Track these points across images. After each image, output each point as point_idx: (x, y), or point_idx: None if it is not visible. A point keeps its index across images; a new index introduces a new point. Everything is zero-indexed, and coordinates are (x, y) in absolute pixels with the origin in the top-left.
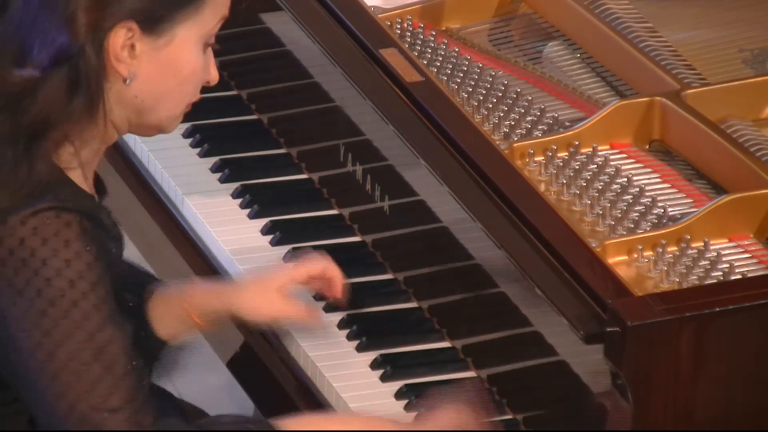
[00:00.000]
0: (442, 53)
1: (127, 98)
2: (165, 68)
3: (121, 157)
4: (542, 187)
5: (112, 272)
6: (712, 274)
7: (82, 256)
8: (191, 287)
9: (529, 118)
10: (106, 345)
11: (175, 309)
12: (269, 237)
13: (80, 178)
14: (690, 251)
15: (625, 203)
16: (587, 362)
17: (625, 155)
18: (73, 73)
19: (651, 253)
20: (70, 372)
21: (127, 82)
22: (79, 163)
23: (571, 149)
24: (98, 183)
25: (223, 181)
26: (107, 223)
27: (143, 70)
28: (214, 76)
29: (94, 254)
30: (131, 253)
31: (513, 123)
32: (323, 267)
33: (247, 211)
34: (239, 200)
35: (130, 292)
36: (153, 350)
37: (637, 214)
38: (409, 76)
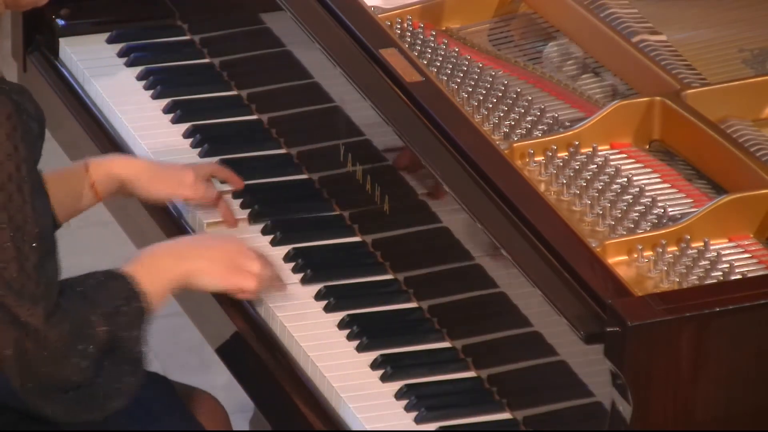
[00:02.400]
0: (442, 53)
1: None
2: None
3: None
4: (542, 187)
5: (34, 153)
6: (712, 274)
7: (10, 139)
8: (93, 160)
9: (529, 118)
10: (24, 224)
11: (75, 185)
12: (269, 237)
13: None
14: (690, 251)
15: (625, 203)
16: (587, 362)
17: (625, 155)
18: None
19: (651, 253)
20: None
21: None
22: None
23: (571, 149)
24: None
25: (223, 181)
26: (28, 105)
27: None
28: None
29: (19, 138)
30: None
31: (513, 123)
32: (212, 168)
33: (248, 211)
34: (239, 200)
35: None
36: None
37: (637, 214)
38: (409, 76)
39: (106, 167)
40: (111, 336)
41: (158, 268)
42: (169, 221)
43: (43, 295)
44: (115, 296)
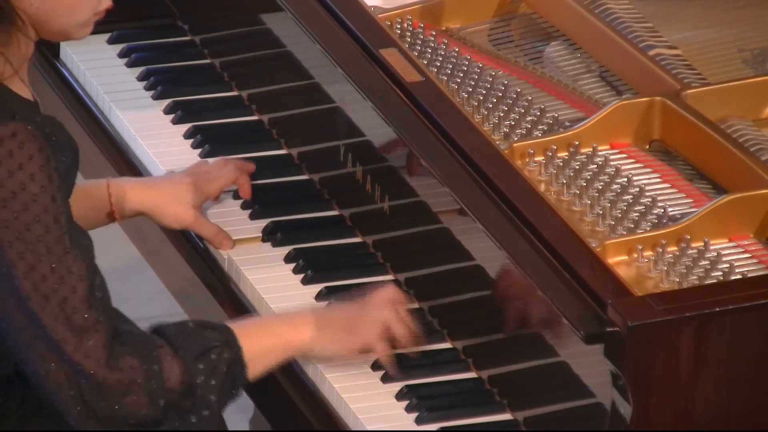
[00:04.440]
0: (442, 53)
1: (28, 10)
2: None
3: (124, 162)
4: (542, 187)
5: (68, 183)
6: (712, 274)
7: (44, 170)
8: (113, 184)
9: (529, 118)
10: (65, 256)
11: (94, 208)
12: (269, 238)
13: (21, 87)
14: (690, 251)
15: (625, 203)
16: (587, 362)
17: (625, 155)
18: None
19: (651, 253)
20: (30, 283)
21: None
22: (13, 71)
23: (571, 149)
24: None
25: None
26: (61, 135)
27: None
28: None
29: (53, 169)
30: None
31: (513, 123)
32: (232, 181)
33: (248, 211)
34: (240, 200)
35: None
36: None
37: (637, 214)
38: (409, 76)
39: (123, 195)
40: (188, 381)
41: (267, 331)
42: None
43: (93, 327)
44: (203, 342)
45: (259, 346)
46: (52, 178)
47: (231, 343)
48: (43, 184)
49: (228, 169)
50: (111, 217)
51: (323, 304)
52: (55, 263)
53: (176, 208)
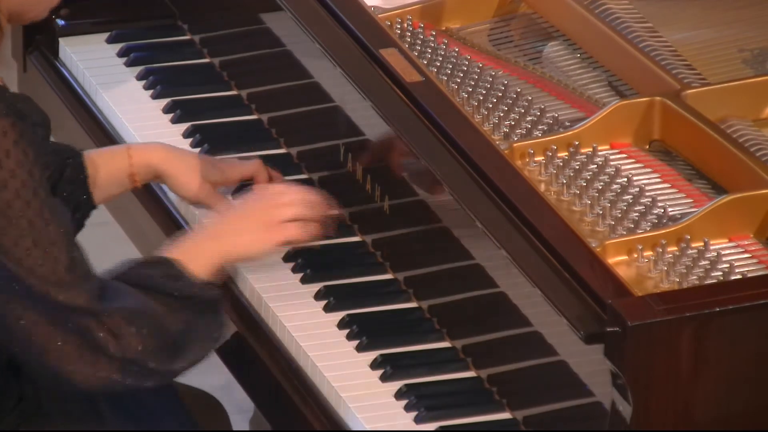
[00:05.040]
0: (442, 53)
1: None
2: None
3: None
4: (542, 187)
5: (42, 156)
6: (712, 274)
7: (19, 145)
8: (135, 147)
9: (529, 118)
10: (45, 227)
11: (116, 171)
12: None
13: None
14: (690, 251)
15: (625, 203)
16: (587, 362)
17: (625, 155)
18: None
19: (651, 253)
20: (15, 258)
21: None
22: None
23: (571, 149)
24: None
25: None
26: (32, 112)
27: None
28: None
29: (26, 143)
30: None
31: (513, 123)
32: (252, 172)
33: None
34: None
35: (68, 166)
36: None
37: (637, 214)
38: (409, 76)
39: (147, 157)
40: (186, 321)
41: (200, 253)
42: (169, 221)
43: (83, 280)
44: (185, 288)
45: (206, 272)
46: (28, 153)
47: (180, 269)
48: (19, 159)
49: (254, 162)
50: (132, 179)
51: (323, 303)
52: (36, 237)
53: (191, 177)
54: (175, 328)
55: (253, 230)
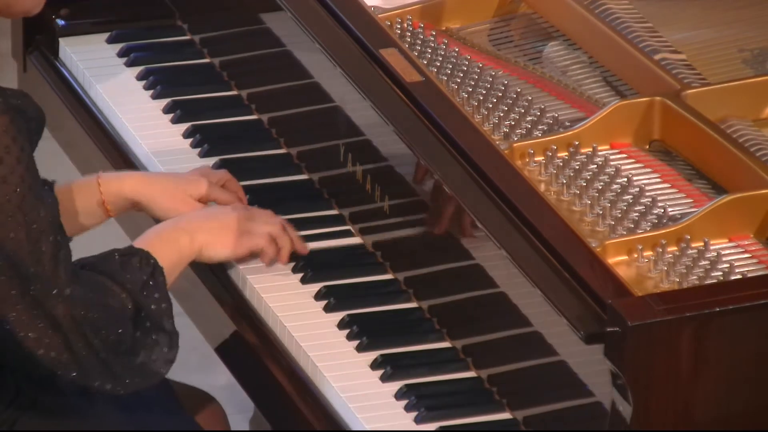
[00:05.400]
0: (442, 53)
1: None
2: None
3: (124, 162)
4: (542, 187)
5: (33, 147)
6: (712, 274)
7: (17, 141)
8: (104, 177)
9: (529, 118)
10: (38, 220)
11: (86, 201)
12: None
13: None
14: (690, 251)
15: (625, 203)
16: (587, 362)
17: (625, 155)
18: None
19: (651, 253)
20: (8, 250)
21: None
22: None
23: (571, 149)
24: None
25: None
26: (29, 108)
27: None
28: None
29: (23, 139)
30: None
31: (513, 123)
32: (224, 176)
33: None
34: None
35: None
36: None
37: (637, 214)
38: (409, 76)
39: (118, 186)
40: (139, 311)
41: (171, 245)
42: None
43: (66, 282)
44: (139, 272)
45: (170, 261)
46: (25, 148)
47: (157, 266)
48: (17, 155)
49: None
50: (104, 209)
51: (323, 303)
52: (29, 229)
53: (170, 198)
54: (128, 324)
55: (224, 231)
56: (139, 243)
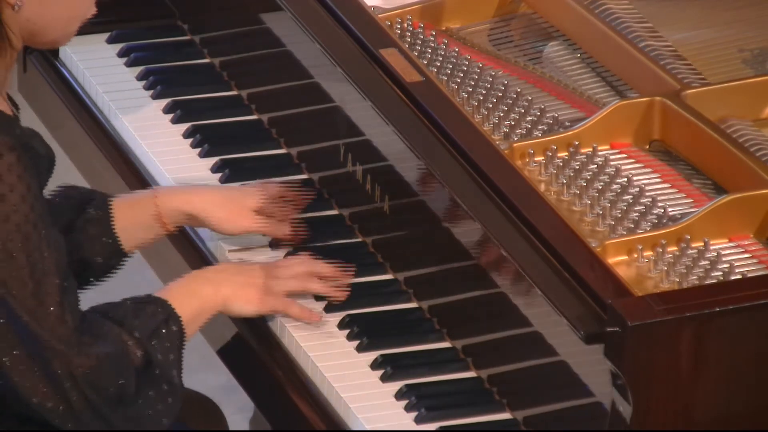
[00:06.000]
0: (442, 53)
1: (20, 23)
2: None
3: (124, 162)
4: (542, 187)
5: (42, 185)
6: (712, 274)
7: (23, 180)
8: (161, 190)
9: (529, 118)
10: (42, 261)
11: (142, 214)
12: (269, 238)
13: (1, 103)
14: (690, 251)
15: (625, 203)
16: (587, 362)
17: (625, 155)
18: None
19: (651, 253)
20: (8, 290)
21: (15, 9)
22: None
23: (571, 149)
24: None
25: (224, 181)
26: (39, 146)
27: None
28: None
29: (30, 178)
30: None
31: (513, 123)
32: (281, 191)
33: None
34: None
35: (92, 206)
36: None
37: (637, 214)
38: (409, 76)
39: (174, 201)
40: (148, 359)
41: (193, 295)
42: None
43: (73, 329)
44: (151, 320)
45: (191, 311)
46: (31, 187)
47: (172, 314)
48: (22, 193)
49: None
50: (161, 222)
51: (323, 304)
52: (32, 269)
53: (227, 211)
54: (133, 377)
55: (249, 289)
56: (160, 292)
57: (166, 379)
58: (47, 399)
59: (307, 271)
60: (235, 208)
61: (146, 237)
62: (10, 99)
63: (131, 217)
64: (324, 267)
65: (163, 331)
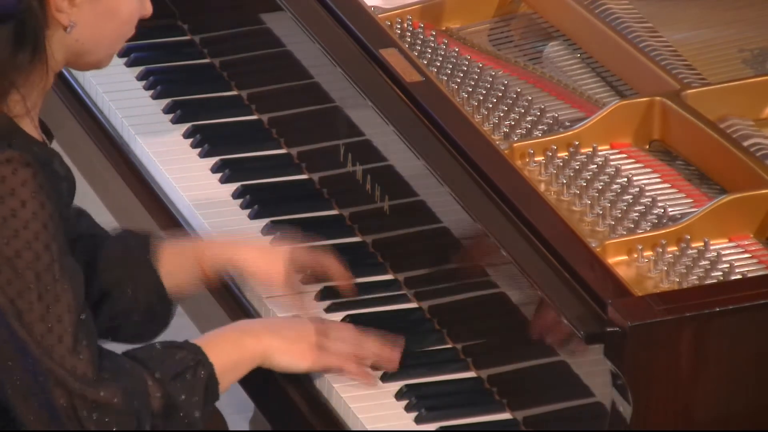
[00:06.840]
0: (442, 53)
1: (68, 43)
2: (104, 14)
3: (124, 162)
4: (542, 187)
5: (64, 213)
6: (712, 274)
7: (37, 197)
8: (205, 240)
9: (529, 118)
10: (53, 284)
11: (187, 261)
12: (269, 238)
13: (29, 126)
14: (690, 251)
15: (625, 203)
16: (587, 362)
17: (625, 155)
18: (19, 28)
19: (651, 253)
20: (16, 311)
21: (68, 30)
22: (26, 110)
23: (571, 149)
24: (44, 128)
25: (224, 181)
26: (58, 166)
27: (83, 17)
28: (148, 9)
29: (45, 196)
30: None
31: (513, 123)
32: (320, 258)
33: (248, 211)
34: (240, 200)
35: (139, 246)
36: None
37: (637, 214)
38: (409, 76)
39: (213, 248)
40: (169, 402)
41: (230, 342)
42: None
43: (88, 363)
44: (177, 364)
45: (229, 360)
46: (45, 205)
47: (203, 361)
48: (35, 210)
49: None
50: (201, 270)
51: (324, 304)
52: (42, 291)
53: (271, 264)
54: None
55: (300, 344)
56: (199, 339)
57: (189, 420)
58: (40, 426)
59: (354, 339)
60: (270, 258)
61: (186, 280)
62: (43, 125)
63: (174, 263)
64: (372, 345)
65: (187, 376)
